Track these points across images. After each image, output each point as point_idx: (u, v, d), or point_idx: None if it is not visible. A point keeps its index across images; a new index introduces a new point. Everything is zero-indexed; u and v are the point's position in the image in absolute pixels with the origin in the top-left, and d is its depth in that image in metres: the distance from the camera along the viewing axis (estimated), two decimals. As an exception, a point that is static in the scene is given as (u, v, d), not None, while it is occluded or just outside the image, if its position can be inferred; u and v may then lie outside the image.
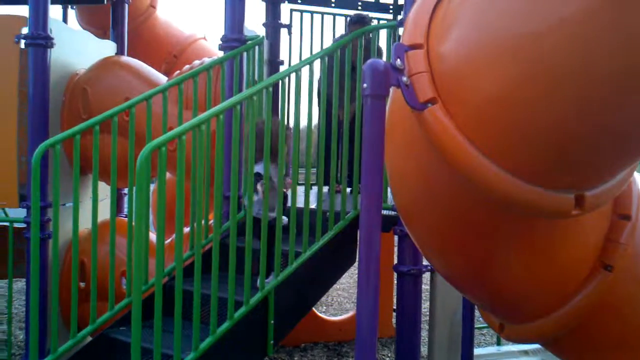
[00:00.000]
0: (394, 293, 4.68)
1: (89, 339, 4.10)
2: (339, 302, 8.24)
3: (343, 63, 3.98)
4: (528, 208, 1.93)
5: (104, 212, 4.74)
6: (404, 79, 1.96)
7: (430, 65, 1.96)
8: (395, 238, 3.93)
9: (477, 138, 1.88)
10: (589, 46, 1.54)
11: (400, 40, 2.08)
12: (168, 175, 4.57)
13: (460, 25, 1.93)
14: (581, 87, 1.61)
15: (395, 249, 4.09)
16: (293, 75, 3.84)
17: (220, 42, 4.43)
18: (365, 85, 1.95)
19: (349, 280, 8.90)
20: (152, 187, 5.00)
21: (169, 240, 5.05)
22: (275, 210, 3.71)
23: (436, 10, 2.06)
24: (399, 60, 1.99)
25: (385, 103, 1.98)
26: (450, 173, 1.99)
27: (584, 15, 1.53)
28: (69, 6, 7.13)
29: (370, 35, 4.22)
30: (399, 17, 5.86)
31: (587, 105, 1.64)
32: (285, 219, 3.76)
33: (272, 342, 3.69)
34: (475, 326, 4.29)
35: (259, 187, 3.64)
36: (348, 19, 5.37)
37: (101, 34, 6.61)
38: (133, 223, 3.55)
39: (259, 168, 3.67)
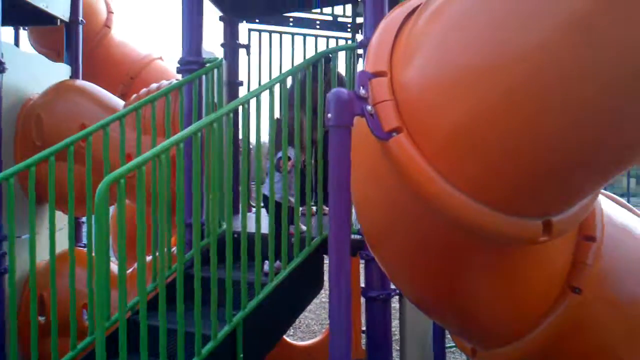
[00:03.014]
0: (362, 312, 4.63)
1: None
2: (306, 325, 8.16)
3: (304, 92, 3.93)
4: (495, 235, 1.91)
5: (63, 242, 4.59)
6: (369, 107, 1.93)
7: (395, 94, 1.93)
8: (362, 262, 3.88)
9: (443, 167, 1.86)
10: (554, 75, 1.53)
11: (364, 68, 2.06)
12: (129, 201, 4.46)
13: (424, 52, 1.91)
14: (547, 116, 1.60)
15: (362, 272, 4.04)
16: (253, 100, 3.78)
17: (178, 65, 4.34)
18: (329, 115, 1.91)
19: (315, 301, 8.82)
20: (112, 210, 4.87)
21: (130, 270, 4.91)
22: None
23: (399, 36, 2.04)
24: (362, 88, 1.96)
25: (350, 133, 1.94)
26: (417, 201, 1.96)
27: (549, 44, 1.52)
28: (21, 28, 6.96)
29: (331, 65, 4.17)
30: (357, 36, 5.88)
31: (552, 134, 1.63)
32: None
33: (241, 376, 3.59)
34: (447, 345, 4.27)
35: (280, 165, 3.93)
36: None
37: (55, 56, 6.46)
38: (93, 254, 3.43)
39: (279, 155, 3.96)
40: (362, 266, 4.15)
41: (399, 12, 2.15)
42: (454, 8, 1.81)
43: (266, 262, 3.79)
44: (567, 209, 1.97)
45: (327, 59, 4.27)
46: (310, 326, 8.13)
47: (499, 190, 1.82)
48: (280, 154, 3.93)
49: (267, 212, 3.88)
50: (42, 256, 4.36)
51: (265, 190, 3.98)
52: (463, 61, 1.72)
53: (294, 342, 6.75)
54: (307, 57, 5.46)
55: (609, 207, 2.57)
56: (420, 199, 1.91)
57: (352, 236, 3.71)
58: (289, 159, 3.95)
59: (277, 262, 3.81)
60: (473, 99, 1.70)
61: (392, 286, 3.72)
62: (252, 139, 3.96)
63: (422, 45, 1.92)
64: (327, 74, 4.33)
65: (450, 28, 1.81)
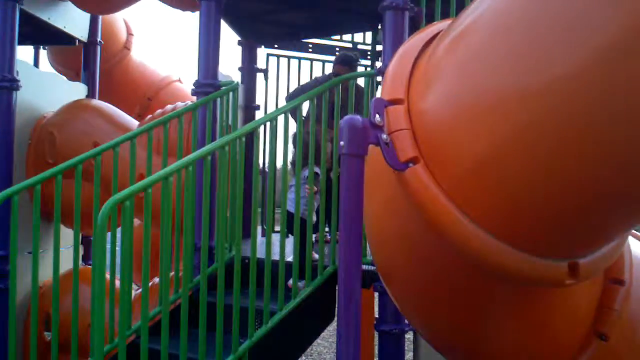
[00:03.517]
0: (375, 344, 4.46)
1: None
2: (318, 353, 7.95)
3: (321, 110, 3.84)
4: (518, 277, 1.79)
5: (72, 260, 4.52)
6: (384, 136, 1.83)
7: (412, 122, 1.83)
8: (376, 295, 3.75)
9: (462, 201, 1.75)
10: (587, 102, 1.42)
11: (380, 95, 1.96)
12: (137, 221, 4.38)
13: (444, 79, 1.80)
14: (578, 147, 1.48)
15: (376, 306, 3.90)
16: (267, 124, 3.70)
17: (193, 87, 4.29)
18: (342, 143, 1.80)
19: (329, 328, 8.62)
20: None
21: (137, 291, 4.81)
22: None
23: (417, 64, 1.94)
24: (378, 116, 1.86)
25: (363, 163, 1.83)
26: (434, 236, 1.85)
27: (579, 70, 1.41)
28: (41, 47, 6.98)
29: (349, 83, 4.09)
30: (377, 64, 5.81)
31: (584, 166, 1.51)
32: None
33: (246, 411, 3.44)
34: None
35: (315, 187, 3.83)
36: (335, 56, 5.25)
37: (74, 75, 6.46)
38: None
39: (315, 169, 3.87)
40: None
41: (417, 39, 2.06)
42: (477, 35, 1.71)
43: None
44: (596, 251, 1.83)
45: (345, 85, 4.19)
46: (322, 354, 7.92)
47: (523, 227, 1.69)
48: (305, 172, 3.84)
49: (290, 231, 3.77)
50: (51, 273, 4.29)
51: (290, 207, 3.87)
52: (487, 90, 1.61)
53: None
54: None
55: (636, 247, 2.43)
56: (437, 233, 1.79)
57: (366, 267, 3.61)
58: (317, 175, 3.87)
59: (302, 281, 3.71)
60: (498, 130, 1.59)
61: (407, 321, 3.58)
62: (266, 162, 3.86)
63: (442, 73, 1.82)
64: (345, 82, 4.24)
65: (472, 56, 1.71)
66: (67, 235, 4.71)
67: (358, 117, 1.83)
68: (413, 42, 2.02)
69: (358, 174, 1.83)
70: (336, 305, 4.19)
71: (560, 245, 1.75)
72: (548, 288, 2.02)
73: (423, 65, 1.90)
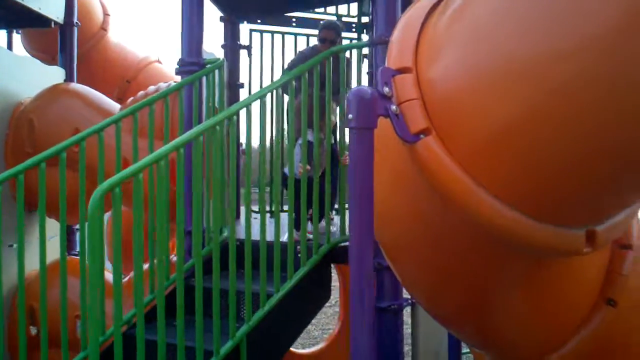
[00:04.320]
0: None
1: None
2: (306, 331, 7.93)
3: (312, 82, 3.73)
4: (535, 247, 1.75)
5: (55, 251, 4.40)
6: (393, 107, 1.76)
7: (422, 92, 1.76)
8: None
9: (477, 171, 1.69)
10: (619, 70, 1.35)
11: (386, 64, 1.88)
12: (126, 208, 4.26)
13: (455, 45, 1.73)
14: (604, 117, 1.42)
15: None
16: (256, 102, 3.60)
17: (177, 66, 4.16)
18: (350, 116, 1.73)
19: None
20: (107, 216, 4.67)
21: (126, 279, 4.70)
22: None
23: (424, 29, 1.87)
24: (386, 86, 1.78)
25: (373, 136, 1.76)
26: (448, 209, 1.79)
27: (616, 32, 1.34)
28: (14, 31, 6.75)
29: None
30: (363, 36, 5.71)
31: (611, 137, 1.45)
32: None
33: (245, 395, 3.38)
34: (463, 352, 4.10)
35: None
36: (320, 23, 5.13)
37: (49, 59, 6.25)
38: (86, 263, 3.24)
39: (309, 137, 3.79)
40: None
41: (422, 5, 1.99)
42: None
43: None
44: (611, 218, 1.79)
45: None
46: (310, 332, 7.91)
47: (543, 197, 1.64)
48: (301, 140, 3.76)
49: (287, 189, 3.74)
50: (34, 265, 4.16)
51: (285, 169, 3.85)
52: (508, 52, 1.54)
53: (297, 351, 6.51)
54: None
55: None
56: (452, 207, 1.73)
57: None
58: (310, 144, 3.78)
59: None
60: (517, 96, 1.52)
61: (405, 296, 3.54)
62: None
63: (454, 39, 1.75)
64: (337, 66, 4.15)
65: (488, 18, 1.63)
66: (47, 225, 4.58)
67: (366, 88, 1.75)
68: (417, 8, 1.94)
69: (368, 148, 1.76)
70: (331, 284, 4.14)
71: (580, 213, 1.71)
72: (558, 257, 1.99)
73: (430, 31, 1.83)
